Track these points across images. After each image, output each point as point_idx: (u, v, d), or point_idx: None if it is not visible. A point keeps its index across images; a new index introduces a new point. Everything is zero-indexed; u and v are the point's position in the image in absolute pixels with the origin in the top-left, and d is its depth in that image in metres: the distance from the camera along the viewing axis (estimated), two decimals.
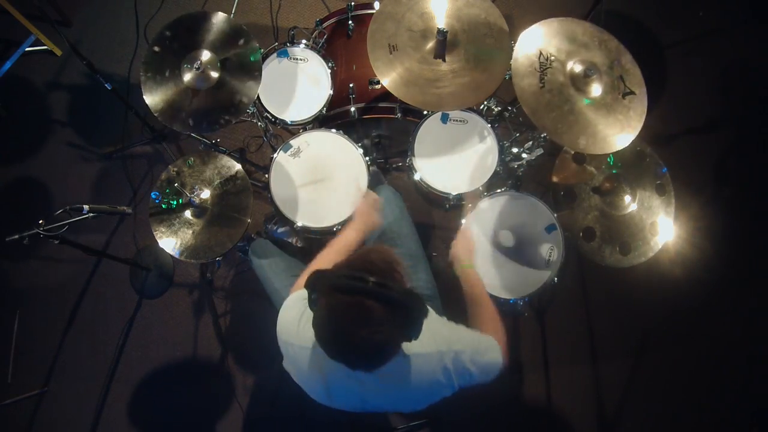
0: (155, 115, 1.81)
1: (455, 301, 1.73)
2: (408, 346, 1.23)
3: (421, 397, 1.32)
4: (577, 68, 1.68)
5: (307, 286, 1.13)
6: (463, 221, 1.88)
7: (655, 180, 1.85)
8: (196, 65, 1.83)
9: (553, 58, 1.67)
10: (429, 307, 1.57)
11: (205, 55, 1.85)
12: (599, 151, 1.64)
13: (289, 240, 2.28)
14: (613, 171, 1.85)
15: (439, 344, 1.27)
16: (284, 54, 2.12)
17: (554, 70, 1.67)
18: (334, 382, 1.27)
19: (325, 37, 2.16)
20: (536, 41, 1.69)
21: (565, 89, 1.67)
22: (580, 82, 1.68)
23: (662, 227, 1.81)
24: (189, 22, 1.90)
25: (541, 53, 1.67)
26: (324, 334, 1.08)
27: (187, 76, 1.84)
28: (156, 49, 1.87)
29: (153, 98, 1.82)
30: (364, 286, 1.02)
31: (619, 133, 1.65)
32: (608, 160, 1.86)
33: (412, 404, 1.35)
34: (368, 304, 1.02)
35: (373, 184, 1.99)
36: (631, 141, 1.64)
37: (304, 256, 1.97)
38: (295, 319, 1.30)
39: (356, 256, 1.13)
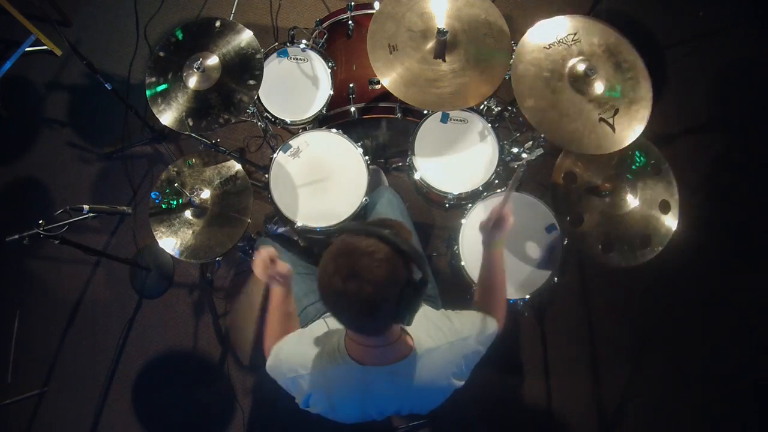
0: (158, 118, 1.81)
1: (455, 301, 1.74)
2: (419, 344, 1.25)
3: (439, 394, 1.34)
4: (581, 67, 1.69)
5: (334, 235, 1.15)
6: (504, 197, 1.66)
7: (653, 174, 1.85)
8: (196, 65, 1.83)
9: (577, 43, 1.71)
10: (429, 306, 1.59)
11: (206, 56, 1.85)
12: (533, 123, 1.64)
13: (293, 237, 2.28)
14: (629, 176, 1.85)
15: (448, 336, 1.29)
16: (284, 54, 2.12)
17: (567, 49, 1.70)
18: (373, 395, 1.28)
19: (325, 37, 2.17)
20: (580, 28, 1.72)
21: (561, 67, 1.70)
22: (580, 80, 1.70)
23: (666, 219, 1.81)
24: (194, 28, 1.91)
25: (575, 35, 1.71)
26: (323, 270, 1.07)
27: (189, 78, 1.84)
28: (161, 54, 1.88)
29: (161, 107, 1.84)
30: (377, 230, 1.06)
31: (569, 133, 1.65)
32: (636, 158, 1.86)
33: (430, 403, 1.36)
34: (377, 244, 1.04)
35: (373, 183, 1.99)
36: (574, 150, 1.66)
37: (306, 255, 1.98)
38: (304, 350, 1.31)
39: (377, 218, 1.15)
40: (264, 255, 1.45)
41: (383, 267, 1.03)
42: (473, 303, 1.55)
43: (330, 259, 1.06)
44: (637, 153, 1.85)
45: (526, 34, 1.72)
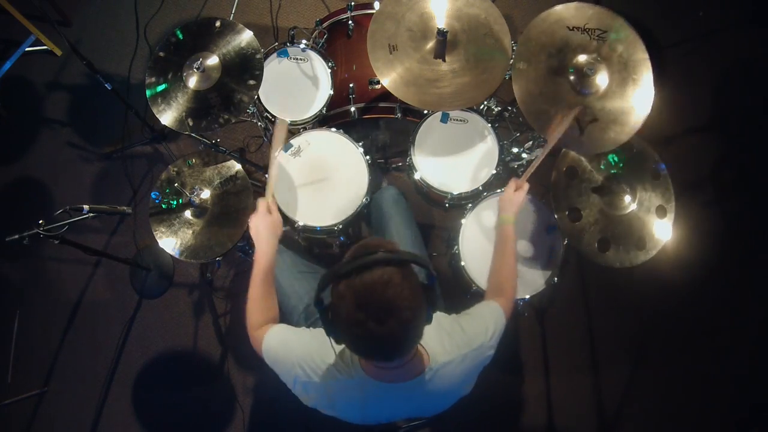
0: (158, 118, 1.81)
1: (455, 301, 1.74)
2: (435, 359, 1.24)
3: (448, 402, 1.34)
4: (583, 59, 1.69)
5: (319, 290, 1.09)
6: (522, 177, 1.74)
7: (653, 179, 1.85)
8: (196, 65, 1.83)
9: (601, 41, 1.68)
10: (438, 310, 1.60)
11: (206, 56, 1.85)
12: (514, 85, 1.64)
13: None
14: (612, 171, 1.85)
15: (461, 347, 1.28)
16: (284, 54, 2.12)
17: (587, 41, 1.68)
18: (383, 407, 1.29)
19: (325, 37, 2.17)
20: (613, 29, 1.70)
21: (570, 52, 1.69)
22: (578, 72, 1.69)
23: (662, 225, 1.81)
24: (194, 27, 1.91)
25: (604, 32, 1.68)
26: (351, 323, 1.02)
27: (189, 78, 1.84)
28: (161, 54, 1.88)
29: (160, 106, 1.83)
30: (374, 258, 1.02)
31: (537, 110, 1.65)
32: (609, 159, 1.86)
33: (437, 410, 1.36)
34: (384, 270, 1.01)
35: (374, 183, 1.99)
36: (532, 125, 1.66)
37: (305, 254, 1.98)
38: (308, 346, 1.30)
39: (353, 248, 1.11)
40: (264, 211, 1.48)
41: (406, 288, 1.02)
42: (486, 287, 1.56)
43: (354, 309, 1.01)
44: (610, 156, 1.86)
45: (561, 5, 1.68)
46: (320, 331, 1.34)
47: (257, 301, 1.44)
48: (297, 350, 1.31)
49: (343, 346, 1.24)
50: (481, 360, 1.32)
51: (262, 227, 1.48)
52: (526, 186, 1.66)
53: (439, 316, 1.39)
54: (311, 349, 1.29)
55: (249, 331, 1.41)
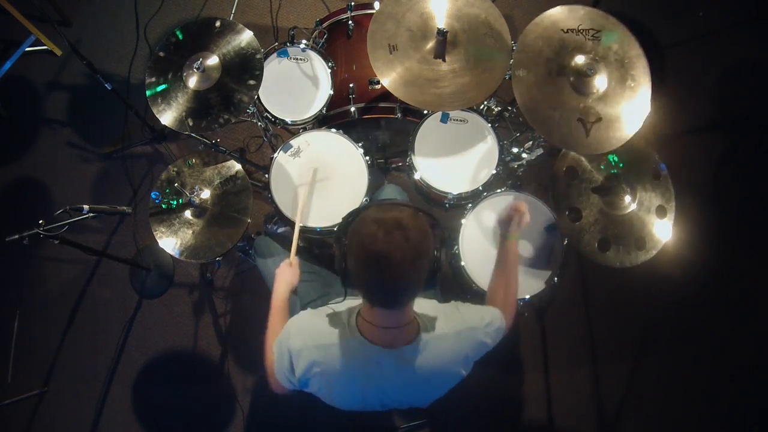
0: (158, 118, 1.81)
1: (455, 298, 1.74)
2: (427, 330, 1.27)
3: (442, 383, 1.34)
4: (581, 61, 1.68)
5: (346, 218, 1.22)
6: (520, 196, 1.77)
7: (653, 179, 1.85)
8: (196, 65, 1.83)
9: (595, 41, 1.68)
10: (436, 299, 1.61)
11: (206, 56, 1.85)
12: (516, 93, 1.64)
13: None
14: (612, 171, 1.85)
15: (456, 325, 1.31)
16: (284, 54, 2.12)
17: (582, 42, 1.69)
18: (376, 377, 1.28)
19: (325, 37, 2.17)
20: (606, 29, 1.69)
21: (567, 54, 1.68)
22: (578, 75, 1.69)
23: (662, 225, 1.81)
24: (194, 28, 1.91)
25: (597, 32, 1.68)
26: (365, 234, 1.10)
27: (189, 78, 1.84)
28: (161, 54, 1.87)
29: (160, 105, 1.83)
30: (394, 201, 1.15)
31: (542, 117, 1.65)
32: (609, 159, 1.86)
33: (432, 394, 1.36)
34: (400, 208, 1.14)
35: (373, 183, 1.99)
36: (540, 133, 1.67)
37: (305, 255, 1.98)
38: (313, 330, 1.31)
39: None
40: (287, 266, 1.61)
41: (419, 218, 1.12)
42: (486, 299, 1.58)
43: (367, 224, 1.11)
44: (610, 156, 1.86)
45: (554, 9, 1.69)
46: (319, 309, 1.39)
47: (277, 328, 1.47)
48: (296, 325, 1.33)
49: (343, 305, 1.31)
50: (477, 344, 1.32)
51: (285, 276, 1.61)
52: (524, 206, 1.62)
53: (435, 302, 1.43)
54: (309, 320, 1.34)
55: (268, 372, 1.42)
